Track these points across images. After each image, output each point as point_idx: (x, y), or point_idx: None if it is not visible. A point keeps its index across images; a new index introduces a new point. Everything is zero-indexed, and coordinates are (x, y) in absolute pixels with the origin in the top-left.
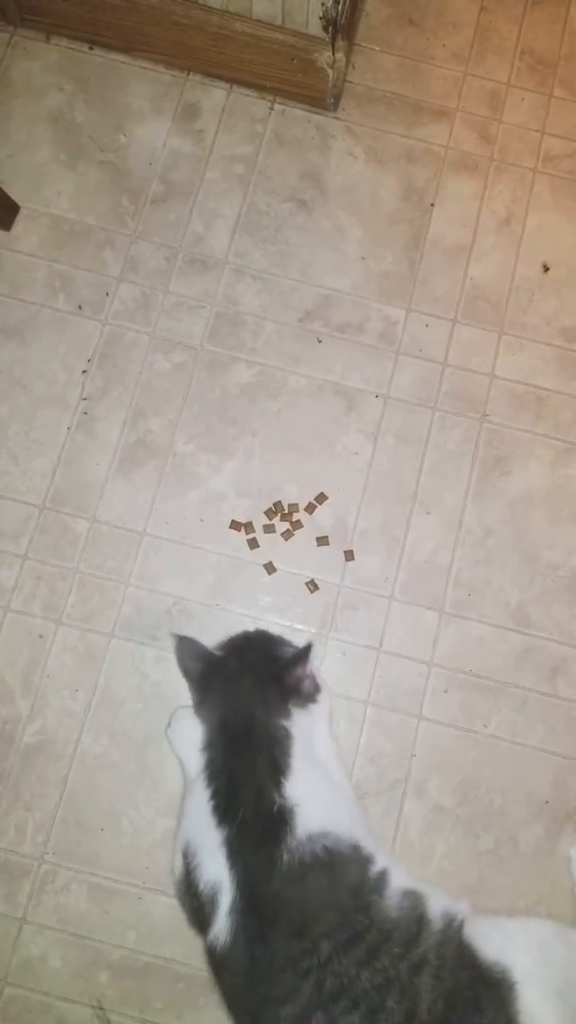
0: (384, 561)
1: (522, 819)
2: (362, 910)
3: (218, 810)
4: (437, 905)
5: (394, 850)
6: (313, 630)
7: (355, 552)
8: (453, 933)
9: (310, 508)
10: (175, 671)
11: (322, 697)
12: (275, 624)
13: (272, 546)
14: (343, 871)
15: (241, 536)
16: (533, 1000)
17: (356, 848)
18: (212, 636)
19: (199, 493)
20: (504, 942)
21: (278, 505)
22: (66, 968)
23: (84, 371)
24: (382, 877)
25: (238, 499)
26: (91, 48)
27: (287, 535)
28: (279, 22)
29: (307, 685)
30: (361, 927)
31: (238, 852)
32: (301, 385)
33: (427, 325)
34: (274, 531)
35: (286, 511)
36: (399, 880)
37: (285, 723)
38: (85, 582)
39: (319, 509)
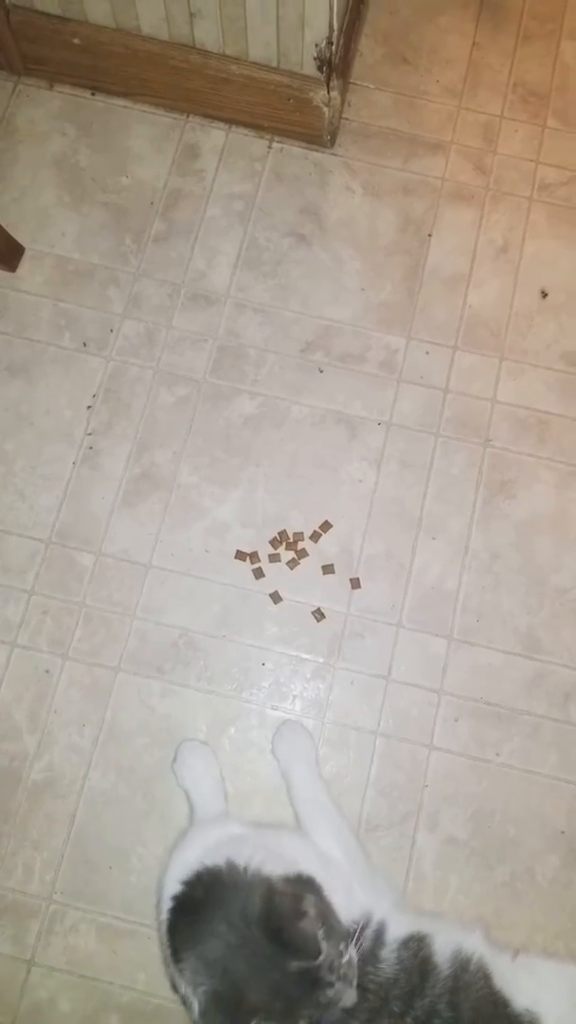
0: (390, 588)
1: (538, 850)
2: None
3: None
4: (446, 946)
5: (407, 884)
6: (320, 659)
7: (361, 580)
8: (471, 978)
9: (315, 536)
10: (181, 704)
11: (306, 747)
12: (282, 653)
13: (278, 575)
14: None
15: (246, 566)
16: None
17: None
18: (218, 668)
19: (204, 524)
20: (537, 990)
21: (283, 534)
22: (75, 1012)
23: (89, 407)
24: (378, 935)
25: (243, 529)
26: (93, 94)
27: (292, 564)
28: (275, 64)
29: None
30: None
31: None
32: (304, 415)
33: (427, 352)
34: (279, 560)
35: (291, 540)
36: (397, 930)
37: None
38: (91, 616)
39: (324, 537)
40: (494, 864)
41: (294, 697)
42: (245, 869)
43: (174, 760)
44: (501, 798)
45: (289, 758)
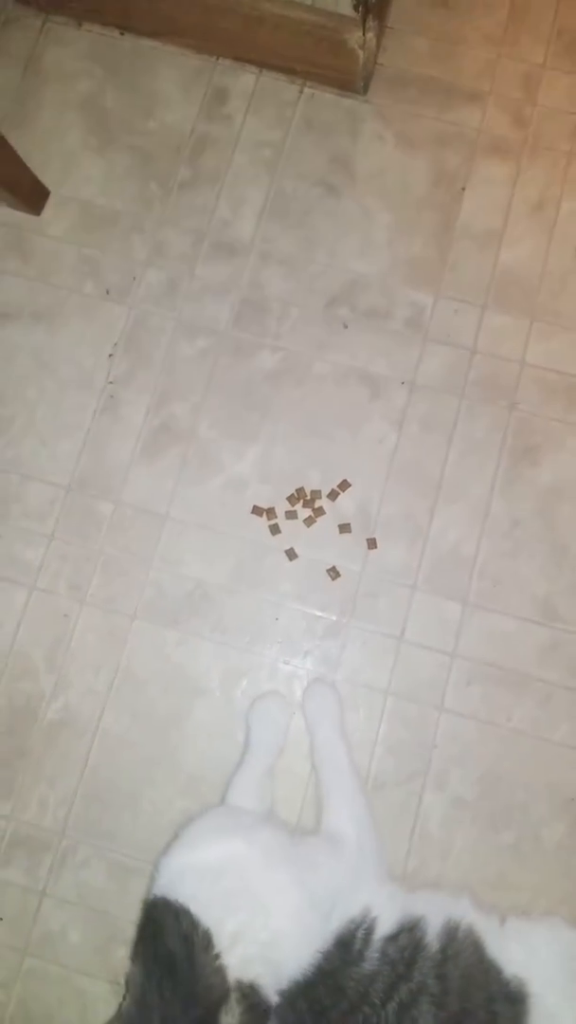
0: (407, 550)
1: (545, 816)
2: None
3: None
4: (436, 920)
5: (412, 843)
6: (334, 617)
7: (378, 540)
8: (460, 946)
9: (333, 495)
10: (197, 652)
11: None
12: (296, 610)
13: (294, 532)
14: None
15: (263, 522)
16: (551, 1006)
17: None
18: (232, 621)
19: (222, 478)
20: (526, 956)
21: (300, 492)
22: (85, 943)
23: (110, 355)
24: (367, 934)
25: (260, 485)
26: (122, 33)
27: (309, 522)
28: (309, 2)
29: None
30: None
31: None
32: (326, 371)
33: (456, 311)
34: (296, 517)
35: (308, 498)
36: (387, 924)
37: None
38: (109, 564)
39: (342, 496)
40: (500, 827)
41: (306, 653)
42: (217, 956)
43: (253, 709)
44: (510, 763)
45: (316, 717)
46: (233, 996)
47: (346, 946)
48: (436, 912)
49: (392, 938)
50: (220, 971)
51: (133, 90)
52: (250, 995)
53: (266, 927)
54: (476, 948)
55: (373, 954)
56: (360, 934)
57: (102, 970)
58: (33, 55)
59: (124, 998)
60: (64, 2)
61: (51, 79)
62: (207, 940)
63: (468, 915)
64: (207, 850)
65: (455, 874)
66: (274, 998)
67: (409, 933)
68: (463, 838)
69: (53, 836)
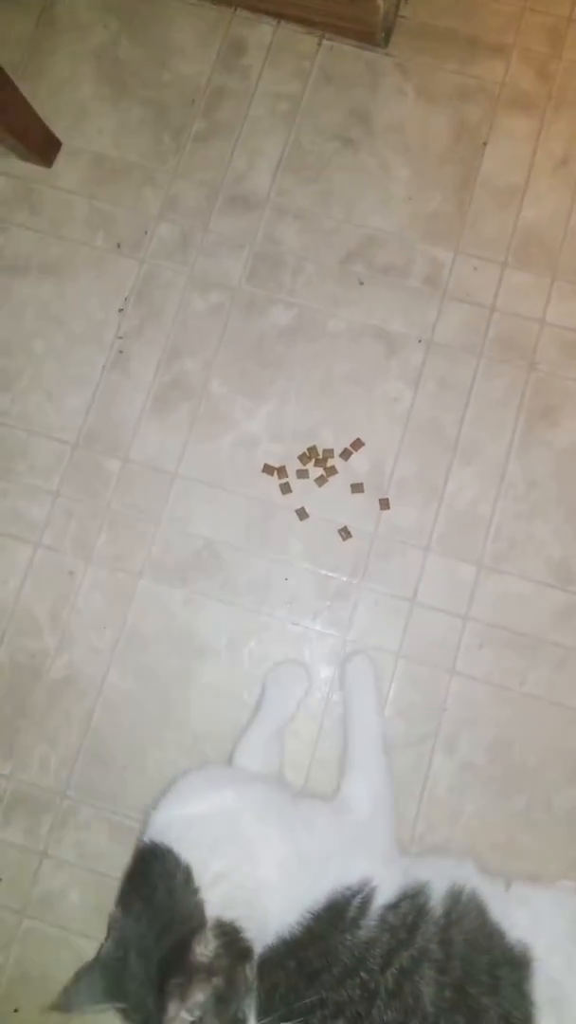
0: (421, 511)
1: (556, 781)
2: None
3: None
4: (440, 885)
5: (420, 807)
6: (344, 578)
7: (391, 501)
8: (463, 910)
9: (345, 454)
10: (204, 612)
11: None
12: (306, 570)
13: (305, 492)
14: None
15: (274, 481)
16: (555, 969)
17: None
18: (240, 581)
19: (232, 436)
20: (531, 921)
21: (312, 450)
22: (85, 904)
23: (120, 309)
24: (364, 902)
25: (272, 443)
26: None
27: (321, 481)
28: None
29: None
30: (322, 965)
31: None
32: (341, 328)
33: (475, 268)
34: (307, 477)
35: (320, 457)
36: (387, 893)
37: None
38: (116, 521)
39: (355, 456)
40: (511, 792)
41: (315, 614)
42: (196, 891)
43: (272, 672)
44: (522, 727)
45: (354, 688)
46: (210, 930)
47: (339, 912)
48: (440, 877)
49: (393, 906)
50: (198, 905)
51: (148, 41)
52: (230, 932)
53: (252, 876)
54: (480, 912)
55: (370, 922)
56: (356, 902)
57: (102, 932)
58: (46, 5)
59: (106, 938)
60: None
61: (64, 30)
62: (187, 875)
63: (472, 879)
64: (197, 802)
65: (464, 839)
66: (257, 944)
67: (412, 900)
68: (473, 803)
69: (54, 796)
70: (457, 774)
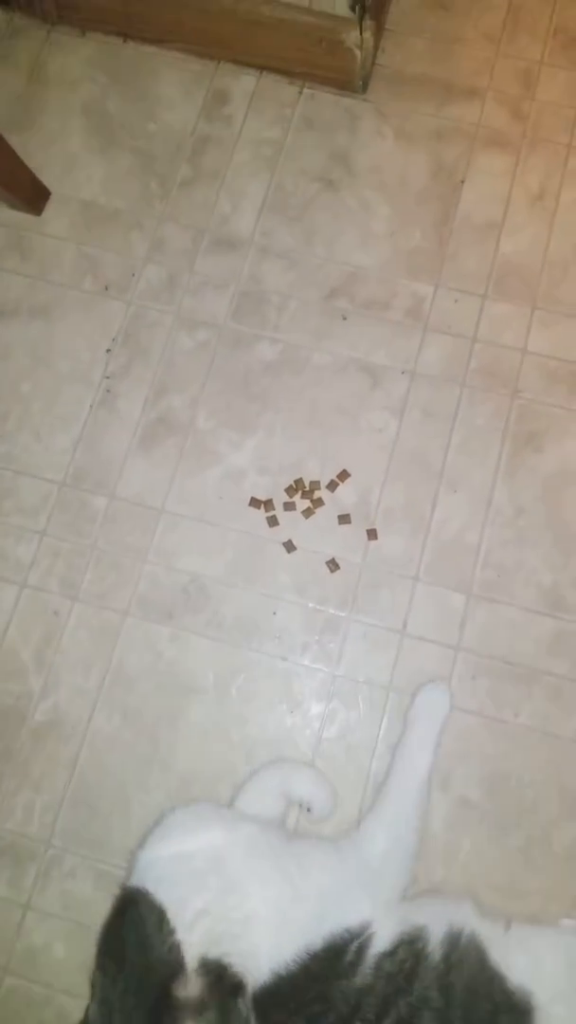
0: (408, 541)
1: (555, 816)
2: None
3: None
4: (438, 928)
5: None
6: (333, 610)
7: (378, 531)
8: (462, 954)
9: (332, 486)
10: (191, 649)
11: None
12: (294, 603)
13: (292, 524)
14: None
15: (261, 514)
16: (557, 1019)
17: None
18: (228, 616)
19: (219, 470)
20: (532, 965)
21: (299, 483)
22: (70, 959)
23: (108, 350)
24: (360, 949)
25: (258, 476)
26: (125, 41)
27: (308, 513)
28: (307, 4)
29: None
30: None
31: None
32: (325, 362)
33: (456, 300)
34: (295, 509)
35: (307, 489)
36: (383, 941)
37: None
38: (102, 559)
39: (341, 487)
40: (509, 829)
41: (304, 648)
42: (171, 932)
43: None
44: (518, 760)
45: (417, 718)
46: (191, 970)
47: (337, 954)
48: (438, 920)
49: (389, 954)
50: (174, 948)
51: (135, 94)
52: (215, 970)
53: (240, 907)
54: (479, 956)
55: (366, 969)
56: (354, 947)
57: (86, 989)
58: (38, 63)
59: (91, 1000)
60: (69, 12)
61: (55, 85)
62: (160, 917)
63: (471, 921)
64: (183, 840)
65: (461, 878)
66: (249, 978)
67: (409, 946)
68: (469, 840)
69: (38, 845)
70: (452, 810)
